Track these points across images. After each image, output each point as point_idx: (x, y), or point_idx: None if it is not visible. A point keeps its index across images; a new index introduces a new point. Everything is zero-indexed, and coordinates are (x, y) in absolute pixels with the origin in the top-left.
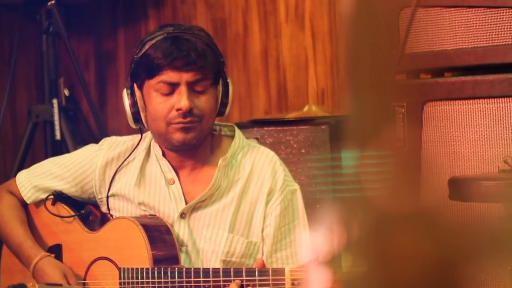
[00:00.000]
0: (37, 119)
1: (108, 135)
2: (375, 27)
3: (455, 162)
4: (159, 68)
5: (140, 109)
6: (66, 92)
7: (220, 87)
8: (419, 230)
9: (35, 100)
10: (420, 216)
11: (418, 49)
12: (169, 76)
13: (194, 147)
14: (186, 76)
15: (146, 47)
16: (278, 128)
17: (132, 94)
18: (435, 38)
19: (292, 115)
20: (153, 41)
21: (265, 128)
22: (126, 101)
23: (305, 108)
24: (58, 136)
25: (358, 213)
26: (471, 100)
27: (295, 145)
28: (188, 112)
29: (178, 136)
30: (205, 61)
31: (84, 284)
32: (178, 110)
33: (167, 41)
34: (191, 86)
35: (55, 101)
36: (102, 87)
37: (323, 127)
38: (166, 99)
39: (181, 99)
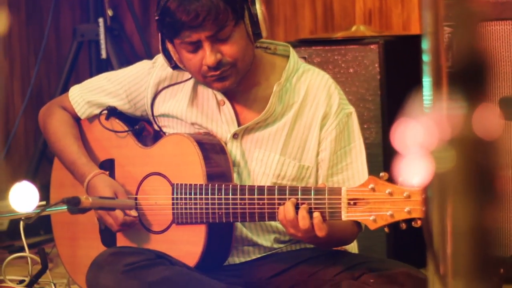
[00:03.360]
0: (82, 38)
1: (152, 56)
2: None
3: (504, 83)
4: (177, 30)
5: (177, 62)
6: (110, 12)
7: (247, 20)
8: None
9: (79, 20)
10: None
11: None
12: (189, 36)
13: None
14: (204, 33)
15: (162, 4)
16: (326, 48)
17: (165, 50)
18: None
19: (339, 35)
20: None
21: (313, 48)
22: (164, 57)
23: (353, 28)
24: (104, 55)
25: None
26: None
27: (343, 65)
28: (218, 64)
29: (216, 85)
30: (217, 11)
31: (135, 199)
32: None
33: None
34: (213, 38)
35: (101, 20)
36: (145, 8)
37: (372, 47)
38: (194, 55)
39: (206, 56)
